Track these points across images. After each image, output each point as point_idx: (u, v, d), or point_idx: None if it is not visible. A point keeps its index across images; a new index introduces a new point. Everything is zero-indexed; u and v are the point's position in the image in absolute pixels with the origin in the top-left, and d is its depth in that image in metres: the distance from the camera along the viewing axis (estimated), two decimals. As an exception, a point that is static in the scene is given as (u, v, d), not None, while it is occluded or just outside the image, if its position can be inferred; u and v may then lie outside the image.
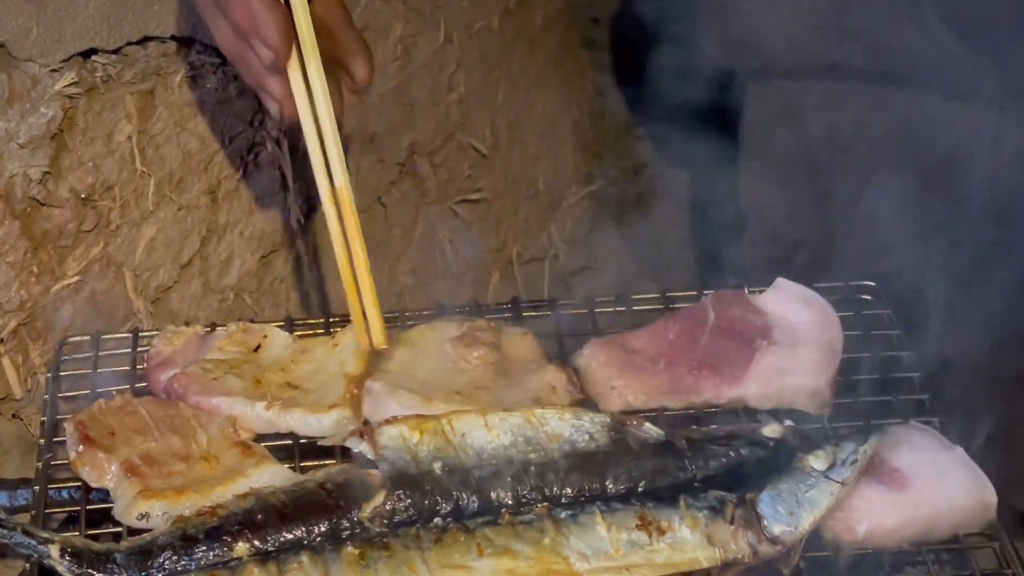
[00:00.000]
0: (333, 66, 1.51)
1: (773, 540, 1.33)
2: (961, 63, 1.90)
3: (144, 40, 1.73)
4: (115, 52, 1.69)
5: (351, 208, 1.48)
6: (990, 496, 1.41)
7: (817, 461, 1.37)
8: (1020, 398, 1.72)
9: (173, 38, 1.75)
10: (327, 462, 1.44)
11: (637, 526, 1.33)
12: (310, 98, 1.48)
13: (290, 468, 1.43)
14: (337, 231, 1.48)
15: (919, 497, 1.39)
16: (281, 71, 1.47)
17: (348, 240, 1.48)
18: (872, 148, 2.05)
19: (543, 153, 1.62)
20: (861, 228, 2.05)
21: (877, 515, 1.38)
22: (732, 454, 1.39)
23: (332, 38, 1.51)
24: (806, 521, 1.34)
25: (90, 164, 1.69)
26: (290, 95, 1.48)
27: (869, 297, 1.66)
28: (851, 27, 1.99)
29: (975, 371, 1.73)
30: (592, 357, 1.54)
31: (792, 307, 1.58)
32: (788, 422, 1.43)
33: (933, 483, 1.40)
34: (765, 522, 1.33)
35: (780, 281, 1.60)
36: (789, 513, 1.34)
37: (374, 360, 1.52)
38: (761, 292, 1.61)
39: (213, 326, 1.60)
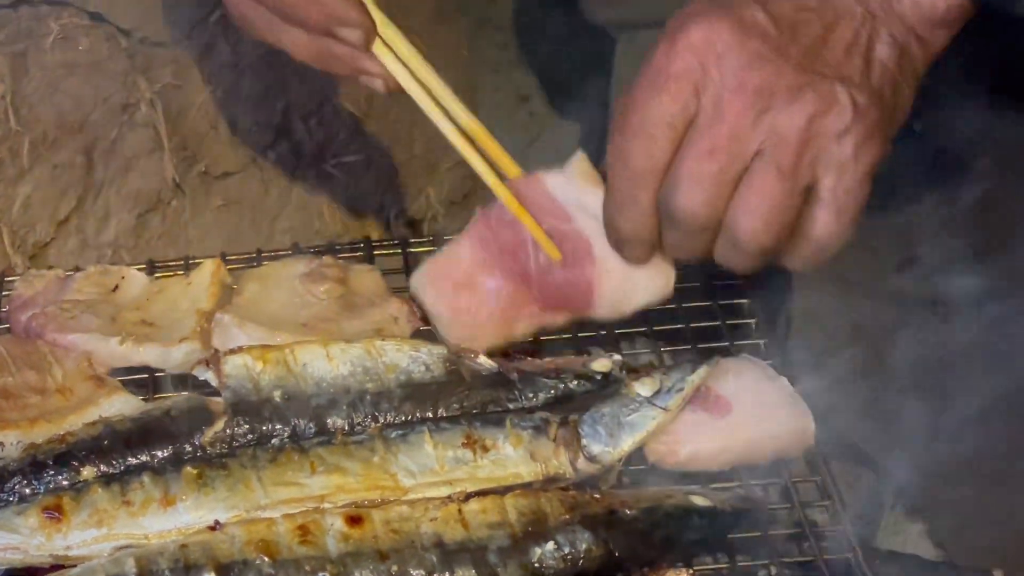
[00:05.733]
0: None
1: (591, 459, 1.40)
2: None
3: (16, 3, 1.78)
4: (-14, 14, 1.75)
5: (489, 138, 1.55)
6: (808, 424, 1.48)
7: (643, 388, 1.44)
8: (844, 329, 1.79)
9: (45, 1, 1.81)
10: (182, 393, 1.51)
11: (463, 444, 1.40)
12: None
13: (143, 400, 1.50)
14: (480, 164, 1.54)
15: (740, 424, 1.46)
16: (370, 48, 1.51)
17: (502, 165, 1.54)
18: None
19: (419, 118, 1.67)
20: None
21: (698, 440, 1.44)
22: (561, 385, 1.46)
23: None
24: (625, 443, 1.41)
25: (-37, 123, 1.76)
26: (385, 68, 1.53)
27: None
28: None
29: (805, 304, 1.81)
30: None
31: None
32: (616, 356, 1.50)
33: (754, 411, 1.47)
34: (584, 441, 1.41)
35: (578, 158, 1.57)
36: (609, 435, 1.41)
37: (225, 296, 1.59)
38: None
39: (76, 269, 1.66)
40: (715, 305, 1.64)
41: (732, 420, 1.47)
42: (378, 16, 1.53)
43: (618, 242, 1.46)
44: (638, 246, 1.45)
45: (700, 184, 1.35)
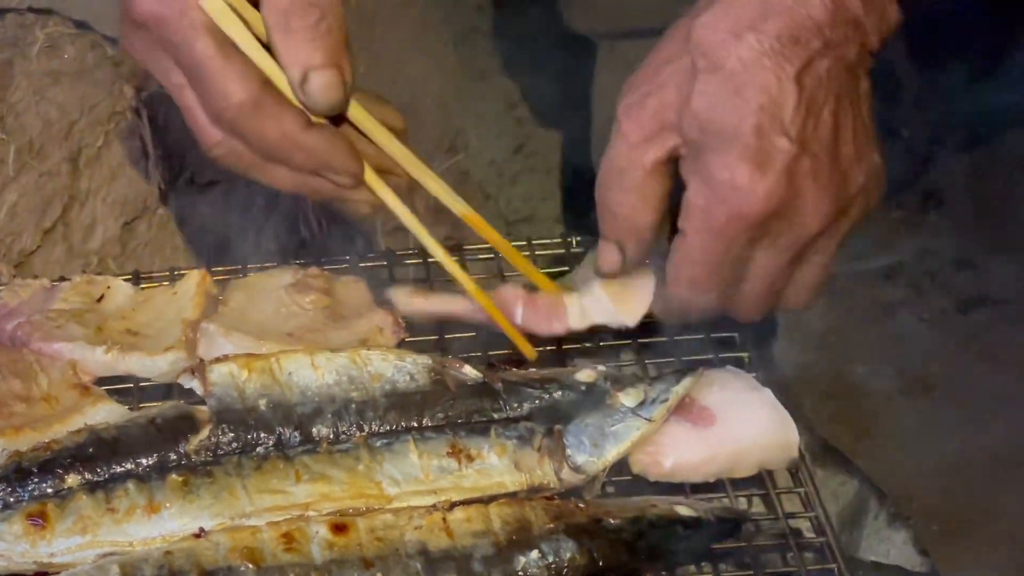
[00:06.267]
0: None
1: (576, 469, 1.41)
2: None
3: (1, 12, 1.78)
4: (-28, 24, 1.75)
5: (486, 225, 1.54)
6: (792, 436, 1.48)
7: (628, 398, 1.45)
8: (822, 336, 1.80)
9: (31, 10, 1.81)
10: (167, 403, 1.50)
11: (448, 454, 1.40)
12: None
13: (129, 409, 1.49)
14: (467, 281, 1.55)
15: (724, 435, 1.46)
16: (359, 186, 1.48)
17: (503, 251, 1.56)
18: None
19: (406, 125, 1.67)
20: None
21: (683, 450, 1.45)
22: (546, 396, 1.46)
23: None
24: (610, 453, 1.42)
25: (-51, 131, 1.75)
26: (376, 198, 1.50)
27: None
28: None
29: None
30: None
31: None
32: (601, 367, 1.51)
33: (739, 422, 1.48)
34: (569, 451, 1.41)
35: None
36: (593, 445, 1.42)
37: (210, 306, 1.59)
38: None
39: (61, 279, 1.66)
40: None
41: (716, 431, 1.47)
42: (369, 125, 1.49)
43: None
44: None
45: (763, 306, 1.46)
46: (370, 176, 1.49)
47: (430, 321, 1.59)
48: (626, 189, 1.42)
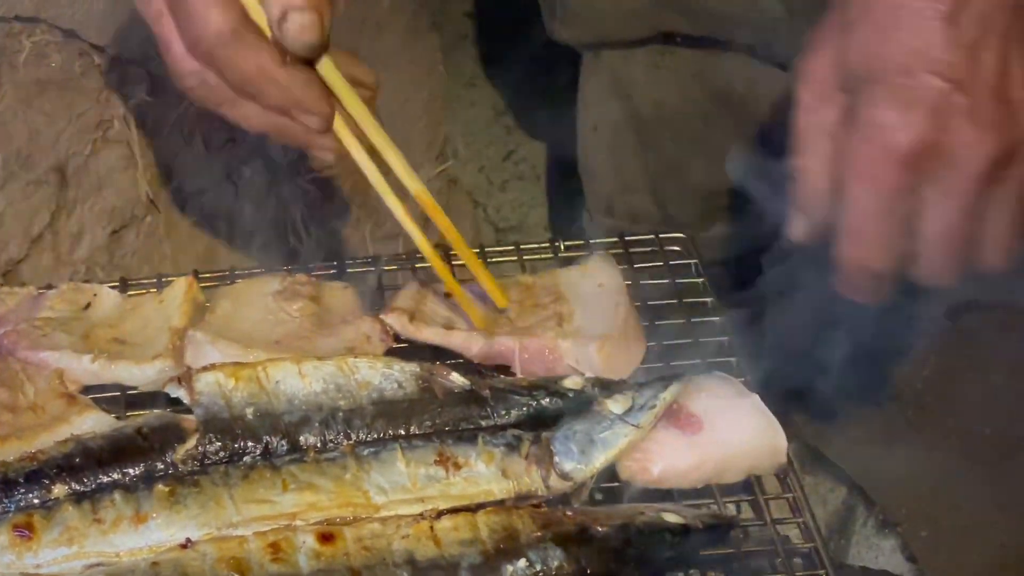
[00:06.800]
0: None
1: (563, 476, 1.40)
2: (783, 29, 1.94)
3: (-12, 21, 1.78)
4: (-42, 32, 1.75)
5: (436, 207, 1.53)
6: (781, 441, 1.48)
7: (615, 405, 1.45)
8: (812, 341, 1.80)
9: (17, 18, 1.80)
10: (153, 411, 1.50)
11: (435, 462, 1.40)
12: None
13: (116, 417, 1.49)
14: (423, 242, 1.55)
15: (712, 441, 1.46)
16: (328, 131, 1.47)
17: (449, 237, 1.56)
18: (696, 115, 2.10)
19: (394, 132, 1.67)
20: (685, 193, 2.13)
21: (671, 457, 1.44)
22: (533, 403, 1.46)
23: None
24: (597, 460, 1.41)
25: (-65, 141, 1.75)
26: (340, 143, 1.49)
27: (678, 248, 1.74)
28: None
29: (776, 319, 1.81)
30: None
31: None
32: (588, 373, 1.51)
33: (727, 428, 1.47)
34: (556, 459, 1.41)
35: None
36: (581, 452, 1.41)
37: (198, 313, 1.59)
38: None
39: (48, 287, 1.66)
40: (687, 322, 1.64)
41: (704, 437, 1.47)
42: (339, 84, 1.47)
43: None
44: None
45: (947, 266, 1.41)
46: (339, 124, 1.48)
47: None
48: (805, 153, 1.41)
